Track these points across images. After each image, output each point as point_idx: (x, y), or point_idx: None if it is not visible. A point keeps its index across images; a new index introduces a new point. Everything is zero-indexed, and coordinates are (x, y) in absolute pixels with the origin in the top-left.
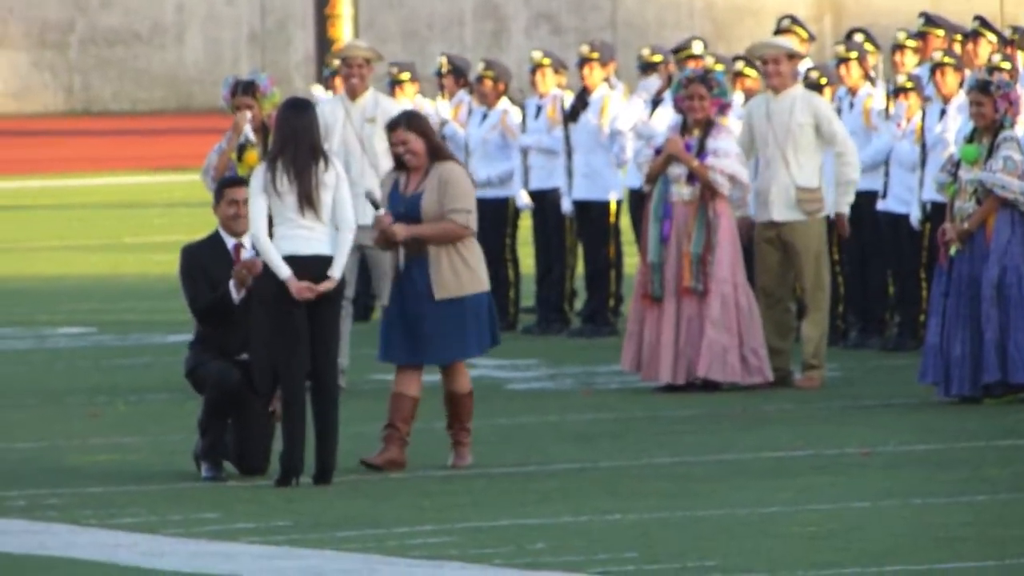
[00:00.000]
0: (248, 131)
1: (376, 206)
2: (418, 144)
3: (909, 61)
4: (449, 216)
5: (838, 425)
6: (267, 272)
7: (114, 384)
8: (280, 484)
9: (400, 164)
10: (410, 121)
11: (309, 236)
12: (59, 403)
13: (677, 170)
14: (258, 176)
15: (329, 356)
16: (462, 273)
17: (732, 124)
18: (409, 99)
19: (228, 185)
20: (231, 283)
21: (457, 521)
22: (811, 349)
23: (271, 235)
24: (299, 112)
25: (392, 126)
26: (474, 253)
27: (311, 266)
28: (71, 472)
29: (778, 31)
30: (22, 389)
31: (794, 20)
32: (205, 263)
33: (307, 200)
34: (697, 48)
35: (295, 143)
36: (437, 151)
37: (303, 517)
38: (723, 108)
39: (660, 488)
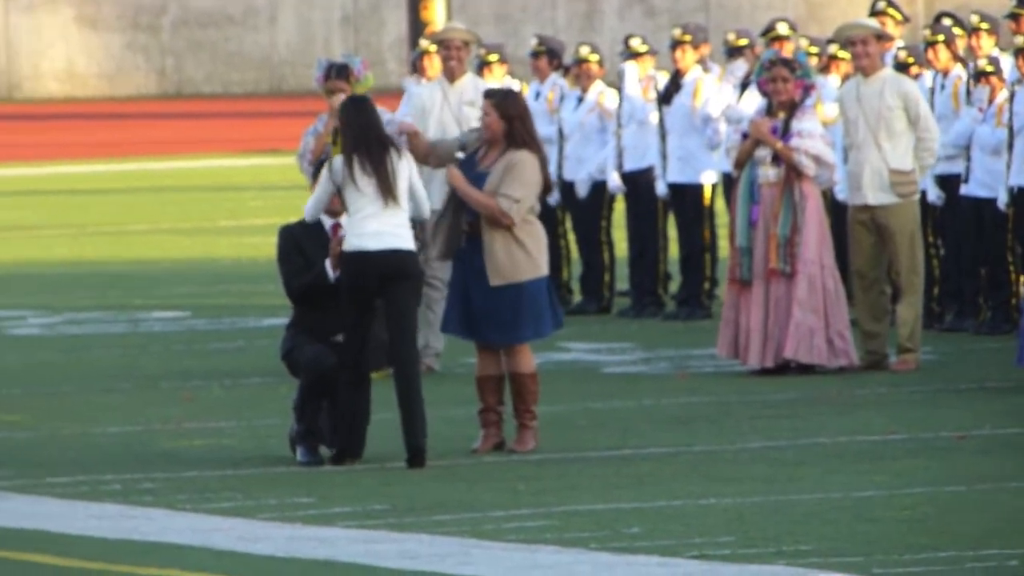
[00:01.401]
0: None
1: (462, 148)
2: (496, 123)
3: (986, 44)
4: (498, 198)
5: (933, 408)
6: (346, 262)
7: (208, 368)
8: (334, 462)
9: None
10: (502, 99)
11: (384, 230)
12: (154, 387)
13: (763, 152)
14: (336, 170)
15: (406, 336)
16: (518, 258)
17: (828, 107)
18: (498, 81)
19: None
20: (327, 261)
21: (552, 505)
22: (906, 332)
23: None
24: (360, 109)
25: (485, 95)
26: (533, 236)
27: (386, 261)
28: (166, 456)
29: (873, 13)
30: (116, 373)
31: (889, 2)
32: (302, 243)
33: (388, 192)
34: (782, 29)
35: (366, 138)
36: (514, 138)
37: (399, 501)
38: (807, 89)
39: (755, 472)
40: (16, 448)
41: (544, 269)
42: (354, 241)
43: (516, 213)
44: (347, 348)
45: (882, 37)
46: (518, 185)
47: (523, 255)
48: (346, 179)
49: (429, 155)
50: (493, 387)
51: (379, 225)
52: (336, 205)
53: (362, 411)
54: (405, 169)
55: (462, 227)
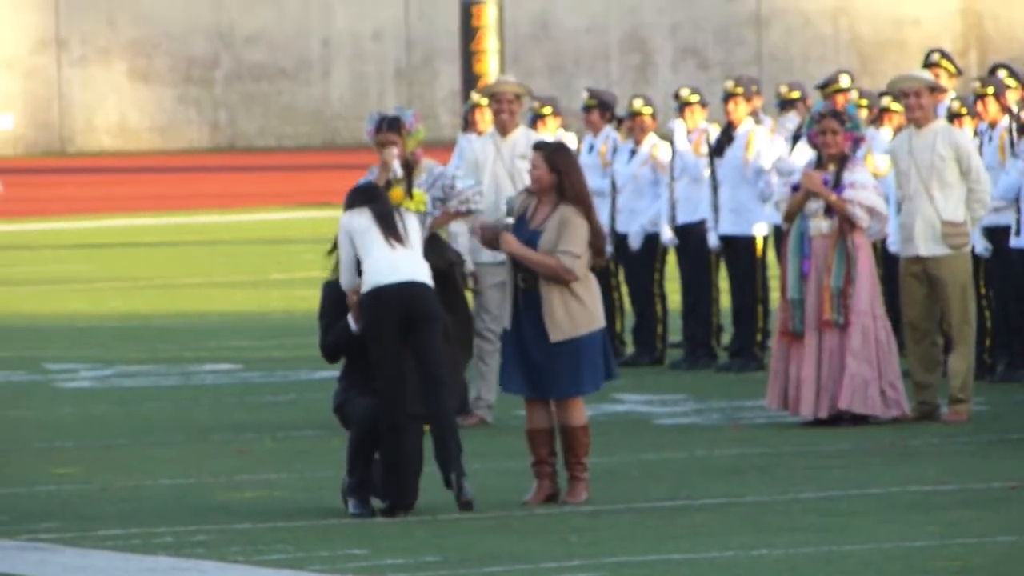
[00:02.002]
0: (396, 167)
1: (509, 212)
2: (545, 175)
3: None
4: (558, 255)
5: (985, 459)
6: (365, 304)
7: (260, 421)
8: (386, 515)
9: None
10: (552, 152)
11: (399, 266)
12: (206, 440)
13: (814, 205)
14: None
15: (434, 381)
16: (575, 312)
17: (879, 159)
18: (552, 134)
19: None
20: (349, 315)
21: (604, 556)
22: (958, 383)
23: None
24: (366, 193)
25: (535, 147)
26: (588, 290)
27: (402, 293)
28: (218, 509)
29: (926, 65)
30: (169, 426)
31: (943, 54)
32: (343, 300)
33: (393, 233)
34: (844, 81)
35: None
36: (566, 190)
37: (450, 553)
38: (856, 142)
39: (807, 523)
40: (68, 501)
41: (601, 321)
42: (369, 279)
43: (579, 269)
44: (382, 394)
45: (935, 89)
46: (577, 240)
47: (580, 308)
48: (355, 231)
49: (493, 239)
50: (544, 439)
51: (393, 261)
52: None
53: (407, 460)
54: (414, 222)
55: (519, 282)
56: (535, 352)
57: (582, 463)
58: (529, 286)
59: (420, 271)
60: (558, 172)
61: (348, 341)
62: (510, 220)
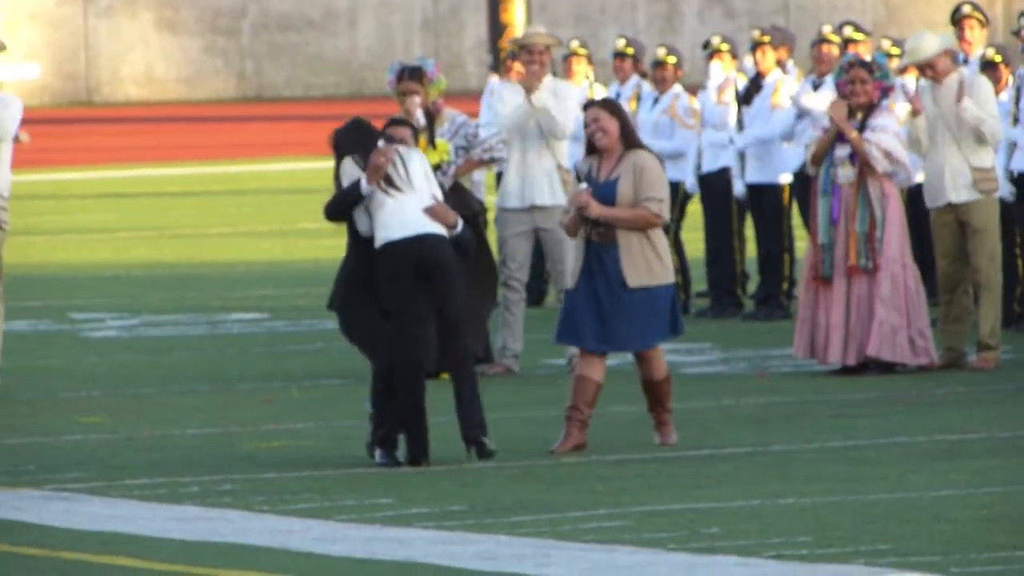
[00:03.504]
0: (419, 116)
1: (580, 179)
2: (610, 123)
3: None
4: (644, 203)
5: (1011, 407)
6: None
7: (287, 370)
8: (410, 464)
9: (591, 148)
10: (606, 102)
11: (408, 218)
12: (232, 389)
13: (841, 152)
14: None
15: (454, 332)
16: (653, 262)
17: (900, 107)
18: (581, 77)
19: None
20: (361, 179)
21: (630, 505)
22: (987, 329)
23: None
24: (356, 128)
25: (586, 105)
26: (663, 243)
27: (417, 247)
28: (244, 458)
29: (955, 17)
30: (195, 375)
31: (974, 6)
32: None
33: (390, 183)
34: (847, 32)
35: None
36: (630, 137)
37: (477, 502)
38: (885, 91)
39: (833, 471)
40: (95, 450)
41: (672, 275)
42: (380, 234)
43: (666, 212)
44: (398, 345)
45: (946, 53)
46: (657, 183)
47: (656, 260)
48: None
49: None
50: (589, 389)
51: (401, 213)
52: (398, 134)
53: (421, 410)
54: (416, 158)
55: (592, 236)
56: (610, 303)
57: (668, 409)
58: (605, 239)
59: (431, 222)
60: (618, 117)
61: (355, 199)
62: (584, 186)
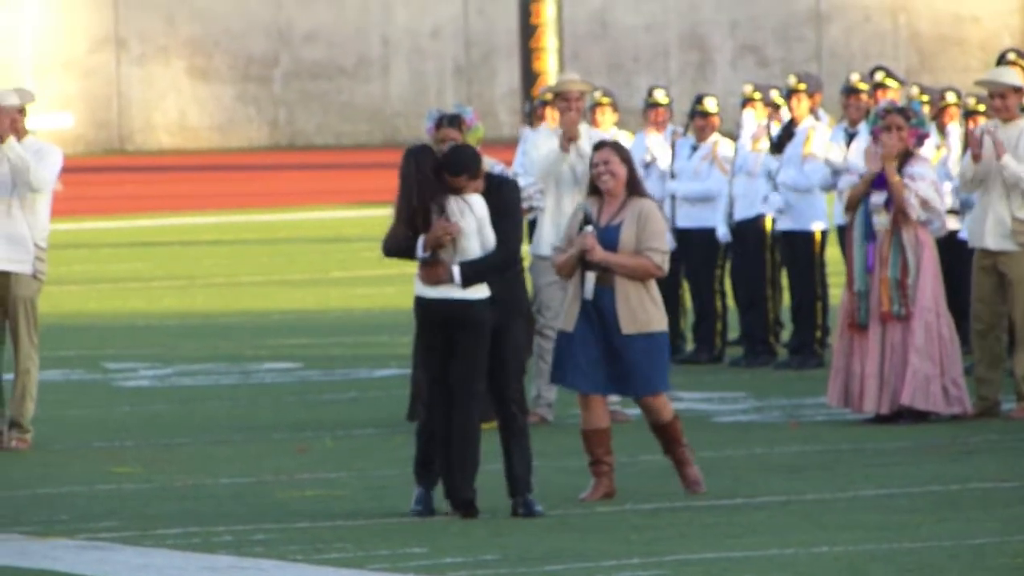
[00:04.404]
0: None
1: (589, 220)
2: (619, 168)
3: None
4: (647, 253)
5: None
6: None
7: (320, 419)
8: (462, 515)
9: (594, 190)
10: (616, 146)
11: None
12: (266, 438)
13: (876, 200)
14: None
15: (465, 388)
16: (649, 308)
17: (927, 152)
18: (608, 126)
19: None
20: (421, 238)
21: (664, 554)
22: (1023, 379)
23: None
24: (416, 158)
25: (598, 146)
26: (657, 290)
27: (441, 309)
28: (278, 507)
29: (1000, 63)
30: (228, 424)
31: (1019, 53)
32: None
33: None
34: (878, 77)
35: (410, 190)
36: (635, 184)
37: (511, 551)
38: (920, 139)
39: (867, 520)
40: (128, 499)
41: (666, 322)
42: (417, 287)
43: (666, 265)
44: (429, 394)
45: (1019, 90)
46: (659, 234)
47: (653, 306)
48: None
49: (568, 267)
50: (600, 439)
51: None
52: (459, 182)
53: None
54: (470, 206)
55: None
56: (608, 348)
57: (684, 446)
58: (604, 283)
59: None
60: (627, 164)
61: (407, 253)
62: (589, 228)
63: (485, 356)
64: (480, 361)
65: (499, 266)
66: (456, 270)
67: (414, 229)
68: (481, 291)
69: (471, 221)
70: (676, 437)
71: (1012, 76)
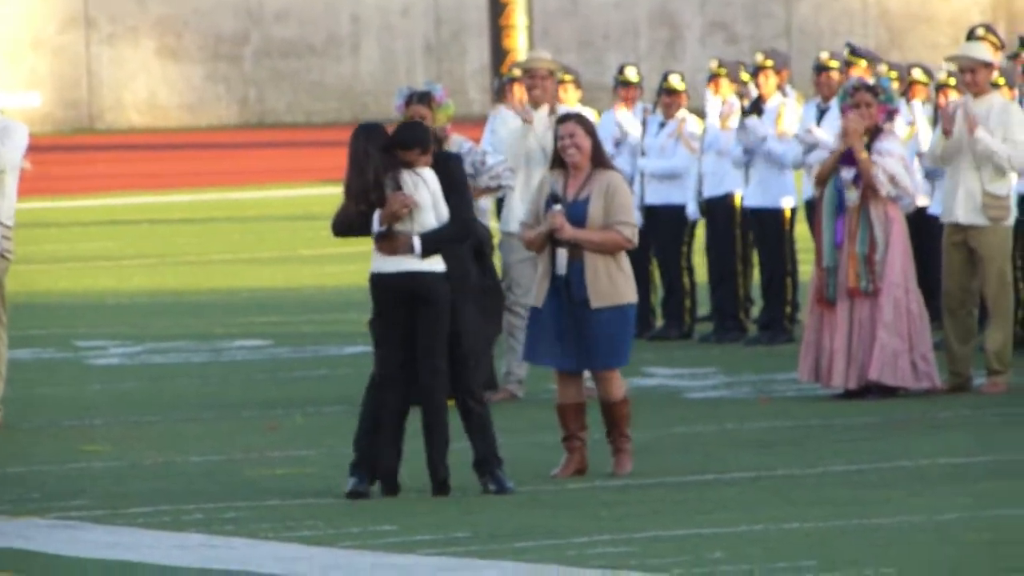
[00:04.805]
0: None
1: (557, 199)
2: (584, 141)
3: None
4: (617, 227)
5: (1016, 430)
6: (369, 281)
7: (291, 397)
8: (364, 495)
9: (559, 163)
10: (581, 118)
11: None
12: (236, 416)
13: (846, 175)
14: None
15: (427, 365)
16: (618, 281)
17: (899, 129)
18: (574, 102)
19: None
20: (377, 213)
21: (635, 531)
22: (995, 354)
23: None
24: (367, 135)
25: (562, 119)
26: (627, 261)
27: (402, 284)
28: (248, 485)
29: (970, 39)
30: (199, 402)
31: (988, 28)
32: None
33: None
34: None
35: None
36: (599, 157)
37: (481, 528)
38: (890, 114)
39: (837, 496)
40: (98, 478)
41: (635, 294)
42: (375, 262)
43: (635, 237)
44: (382, 372)
45: (989, 65)
46: (627, 207)
47: (622, 277)
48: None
49: (539, 241)
50: (575, 414)
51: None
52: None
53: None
54: (423, 180)
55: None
56: (574, 324)
57: (625, 435)
58: (574, 257)
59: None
60: (592, 136)
61: (361, 230)
62: (558, 207)
63: (446, 332)
64: (442, 336)
65: (456, 237)
66: (416, 240)
67: (368, 204)
68: (438, 264)
69: (426, 194)
70: (619, 421)
71: (982, 51)
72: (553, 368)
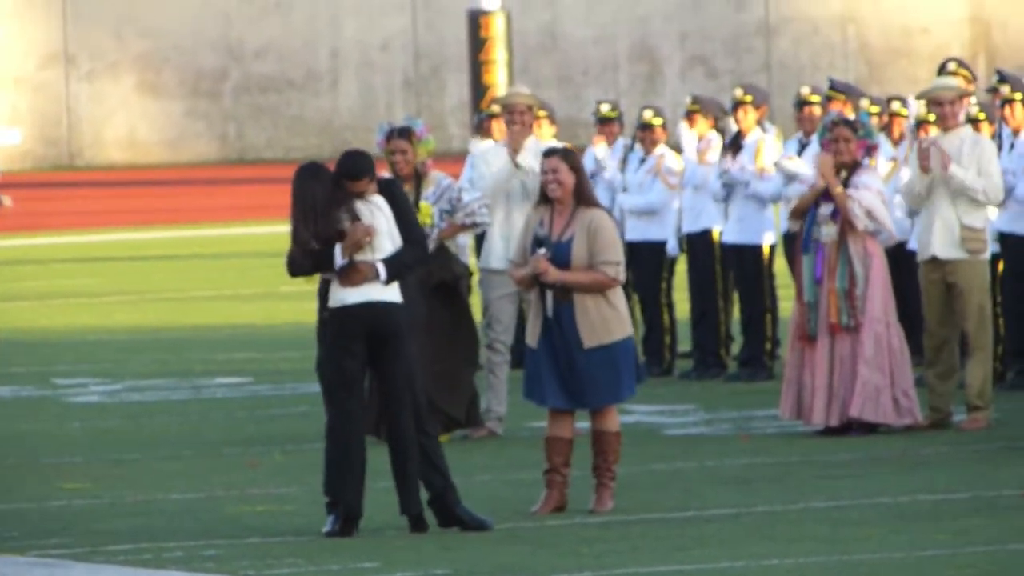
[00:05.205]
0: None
1: (540, 243)
2: (567, 177)
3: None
4: (600, 267)
5: (995, 467)
6: (331, 317)
7: (270, 434)
8: (338, 534)
9: (545, 198)
10: (566, 154)
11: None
12: (216, 454)
13: (824, 211)
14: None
15: (399, 401)
16: (610, 319)
17: (881, 165)
18: (548, 138)
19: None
20: (338, 246)
21: (615, 567)
22: (976, 390)
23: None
24: (312, 174)
25: (547, 154)
26: (619, 296)
27: (369, 313)
28: (229, 523)
29: (941, 73)
30: (178, 440)
31: (960, 63)
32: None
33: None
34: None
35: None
36: (584, 194)
37: (461, 565)
38: (869, 150)
39: (817, 532)
40: (78, 516)
41: (631, 327)
42: (337, 296)
43: (622, 274)
44: (335, 411)
45: (965, 96)
46: (611, 245)
47: (613, 314)
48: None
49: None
50: (562, 449)
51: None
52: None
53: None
54: (379, 210)
55: (553, 298)
56: (569, 362)
57: (611, 470)
58: (562, 298)
59: (387, 289)
60: (576, 172)
61: (322, 266)
62: (542, 251)
63: (412, 364)
64: (408, 369)
65: (417, 259)
66: (381, 266)
67: (325, 242)
68: (398, 295)
69: (382, 221)
70: (608, 453)
71: (952, 85)
72: (549, 407)
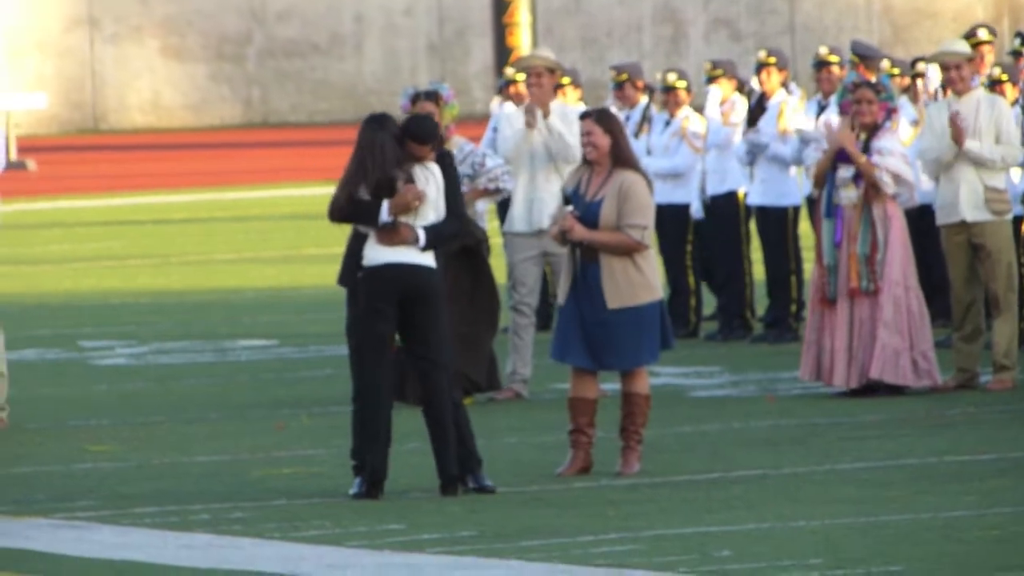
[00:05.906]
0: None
1: (568, 200)
2: (602, 139)
3: None
4: (626, 229)
5: (1022, 428)
6: (362, 281)
7: (297, 397)
8: (364, 496)
9: (585, 159)
10: (600, 116)
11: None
12: (242, 416)
13: (844, 174)
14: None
15: (434, 362)
16: (636, 282)
17: (904, 128)
18: (574, 103)
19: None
20: (385, 204)
21: (641, 529)
22: (1002, 350)
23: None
24: (378, 125)
25: (583, 115)
26: (648, 261)
27: (404, 274)
28: (255, 485)
29: (969, 38)
30: (205, 403)
31: (991, 30)
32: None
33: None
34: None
35: (367, 163)
36: (620, 155)
37: (487, 527)
38: (890, 113)
39: (843, 494)
40: (105, 478)
41: (659, 292)
42: (371, 254)
43: (647, 238)
44: (363, 369)
45: (972, 60)
46: (640, 209)
47: (639, 277)
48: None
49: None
50: (586, 409)
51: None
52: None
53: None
54: (431, 185)
55: (576, 258)
56: (594, 323)
57: (639, 433)
58: (589, 258)
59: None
60: (611, 134)
61: (364, 218)
62: (569, 208)
63: (445, 327)
64: (441, 332)
65: (456, 233)
66: (421, 232)
67: (378, 195)
68: (432, 259)
69: (432, 189)
70: (637, 415)
71: (964, 46)
72: (573, 364)
